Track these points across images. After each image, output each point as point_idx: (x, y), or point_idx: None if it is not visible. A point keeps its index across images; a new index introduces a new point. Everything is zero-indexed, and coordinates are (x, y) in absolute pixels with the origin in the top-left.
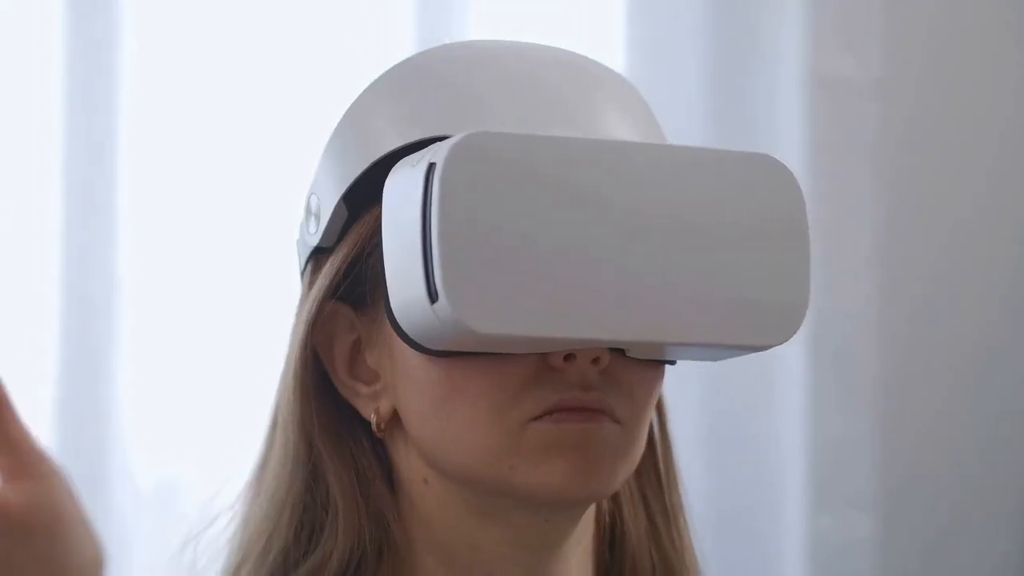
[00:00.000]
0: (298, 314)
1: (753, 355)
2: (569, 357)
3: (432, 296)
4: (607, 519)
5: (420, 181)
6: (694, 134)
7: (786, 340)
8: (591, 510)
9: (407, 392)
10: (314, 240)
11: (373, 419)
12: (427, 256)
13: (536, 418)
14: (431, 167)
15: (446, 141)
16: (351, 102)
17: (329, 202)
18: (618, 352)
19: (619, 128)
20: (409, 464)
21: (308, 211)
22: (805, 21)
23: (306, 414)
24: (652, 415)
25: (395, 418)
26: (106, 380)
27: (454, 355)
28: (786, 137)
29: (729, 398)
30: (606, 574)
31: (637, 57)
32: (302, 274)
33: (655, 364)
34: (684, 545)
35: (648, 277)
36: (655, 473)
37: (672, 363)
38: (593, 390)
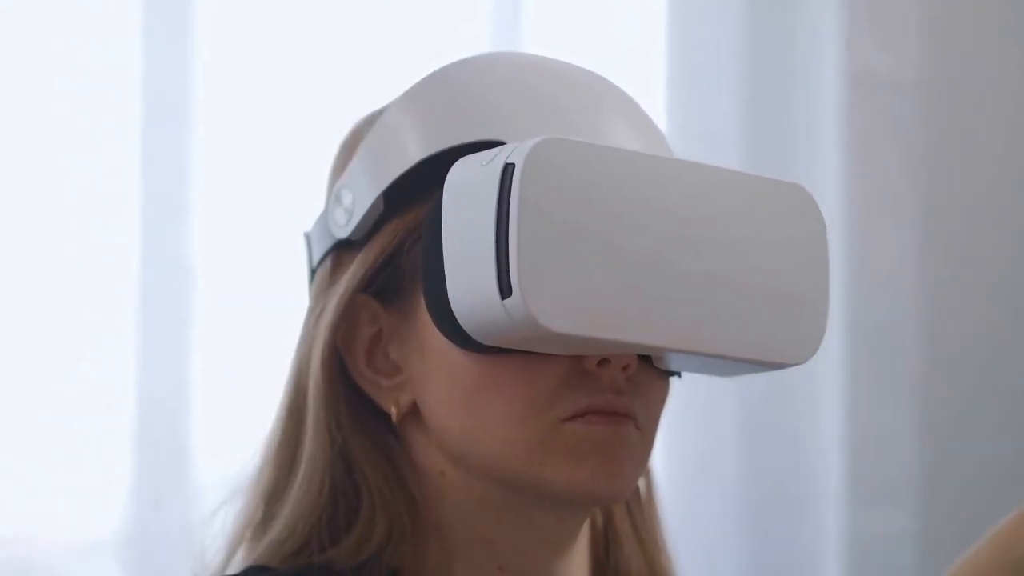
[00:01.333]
0: (318, 305)
1: None
2: (603, 362)
3: (504, 291)
4: (602, 523)
5: (495, 180)
6: (731, 133)
7: (808, 359)
8: None
9: (438, 385)
10: (343, 233)
11: (393, 411)
12: (501, 252)
13: (568, 418)
14: (508, 167)
15: (524, 143)
16: (392, 101)
17: (366, 197)
18: (644, 360)
19: (632, 145)
20: (426, 456)
21: (338, 204)
22: (842, 20)
23: (336, 402)
24: None
25: (413, 411)
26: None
27: (494, 351)
28: (823, 136)
29: (767, 391)
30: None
31: (676, 56)
32: (316, 266)
33: (666, 376)
34: (668, 555)
35: (700, 290)
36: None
37: (679, 375)
38: (623, 395)
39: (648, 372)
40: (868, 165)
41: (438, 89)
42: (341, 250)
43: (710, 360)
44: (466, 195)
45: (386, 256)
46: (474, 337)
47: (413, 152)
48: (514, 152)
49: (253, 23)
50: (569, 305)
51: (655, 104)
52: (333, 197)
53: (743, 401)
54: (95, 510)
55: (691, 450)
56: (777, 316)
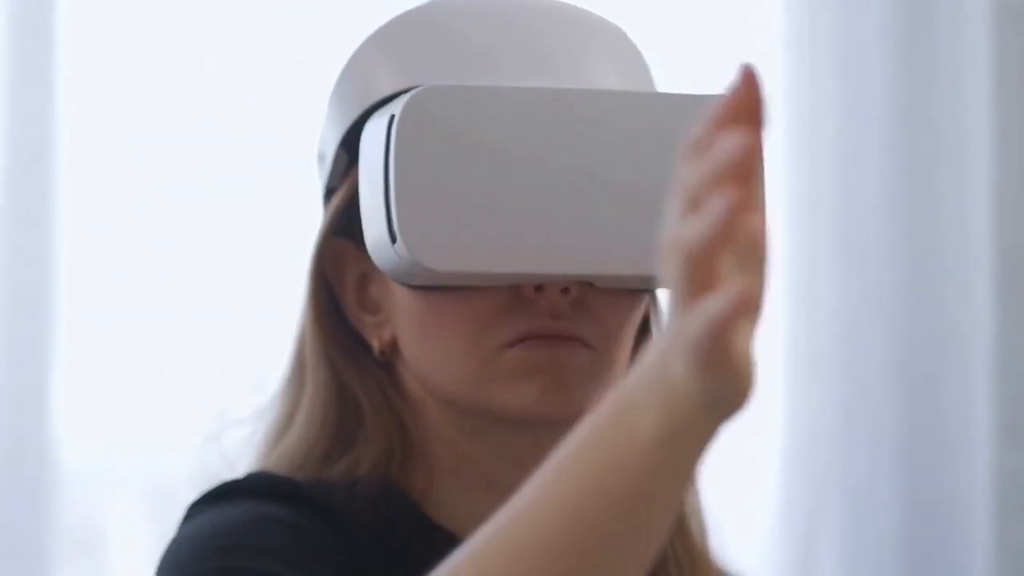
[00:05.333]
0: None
1: (942, 289)
2: (540, 288)
3: (392, 237)
4: None
5: (383, 131)
6: (878, 68)
7: None
8: None
9: (401, 322)
10: (323, 182)
11: (376, 346)
12: (387, 201)
13: (509, 345)
14: (391, 119)
15: (407, 94)
16: (352, 52)
17: (331, 147)
18: (588, 283)
19: (607, 78)
20: (411, 387)
21: (319, 156)
22: None
23: (325, 337)
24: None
25: (397, 345)
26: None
27: (432, 288)
28: (974, 71)
29: (919, 330)
30: None
31: None
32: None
33: (630, 293)
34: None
35: (591, 217)
36: None
37: (650, 292)
38: (562, 319)
39: (599, 293)
40: (1020, 100)
41: (373, 45)
42: (329, 197)
43: (619, 280)
44: (369, 148)
45: (347, 201)
46: (394, 279)
47: (359, 104)
48: (398, 104)
49: None
50: (450, 245)
51: (803, 41)
52: (317, 149)
53: (894, 342)
54: None
55: (842, 393)
56: None
